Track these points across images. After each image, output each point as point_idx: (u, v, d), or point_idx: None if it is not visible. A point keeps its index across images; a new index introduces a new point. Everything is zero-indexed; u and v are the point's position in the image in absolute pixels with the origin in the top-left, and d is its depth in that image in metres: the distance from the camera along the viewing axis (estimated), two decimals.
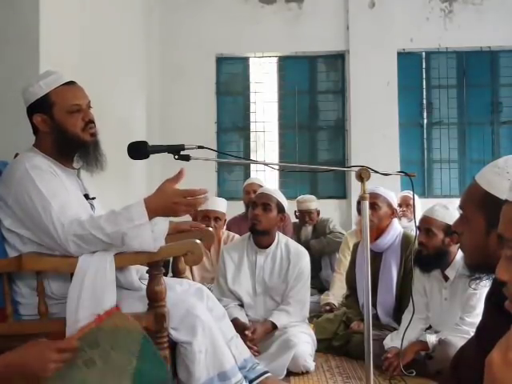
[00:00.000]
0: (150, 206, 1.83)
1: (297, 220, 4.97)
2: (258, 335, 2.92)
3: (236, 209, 4.82)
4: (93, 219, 1.84)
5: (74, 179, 2.06)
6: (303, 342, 2.95)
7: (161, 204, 1.85)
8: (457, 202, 1.54)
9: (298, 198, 4.98)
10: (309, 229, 4.82)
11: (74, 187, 2.03)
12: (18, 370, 1.37)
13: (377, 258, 3.27)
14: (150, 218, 1.83)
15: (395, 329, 3.11)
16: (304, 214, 4.85)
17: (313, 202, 4.88)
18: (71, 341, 1.43)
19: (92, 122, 2.01)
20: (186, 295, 2.07)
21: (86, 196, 2.07)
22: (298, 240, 4.44)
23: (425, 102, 6.41)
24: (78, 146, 2.00)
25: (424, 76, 6.43)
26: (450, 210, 2.80)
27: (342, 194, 6.29)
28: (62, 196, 1.89)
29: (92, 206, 2.07)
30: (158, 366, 1.61)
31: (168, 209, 1.85)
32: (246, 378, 2.19)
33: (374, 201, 3.25)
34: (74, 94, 1.99)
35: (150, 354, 1.59)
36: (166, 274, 2.19)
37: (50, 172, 1.92)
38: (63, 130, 1.96)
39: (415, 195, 2.37)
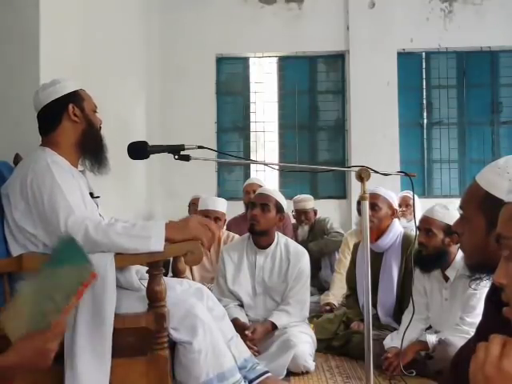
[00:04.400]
0: (169, 225, 1.91)
1: (294, 220, 4.98)
2: (257, 335, 2.92)
3: (236, 209, 4.82)
4: (110, 222, 1.92)
5: (83, 178, 2.12)
6: (303, 342, 2.95)
7: (179, 223, 1.97)
8: (457, 202, 1.54)
9: (295, 197, 4.98)
10: (305, 228, 4.82)
11: (84, 186, 2.09)
12: (21, 369, 1.38)
13: (377, 258, 3.27)
14: (168, 237, 1.87)
15: (395, 329, 3.11)
16: (300, 214, 4.85)
17: (309, 202, 4.88)
18: (61, 324, 1.44)
19: (101, 127, 2.17)
20: (186, 295, 2.07)
21: (91, 194, 2.10)
22: (295, 240, 4.44)
23: (425, 101, 6.41)
24: (97, 142, 2.12)
25: (424, 76, 6.43)
26: (450, 211, 2.80)
27: (342, 194, 6.29)
28: (78, 195, 1.96)
29: (96, 205, 2.11)
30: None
31: (184, 224, 1.94)
32: (246, 378, 2.20)
33: (375, 201, 3.24)
34: (92, 99, 2.16)
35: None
36: (166, 274, 2.19)
37: (68, 171, 1.99)
38: (92, 124, 2.11)
39: (415, 195, 2.37)
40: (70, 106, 2.06)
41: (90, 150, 2.11)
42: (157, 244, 1.84)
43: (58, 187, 1.89)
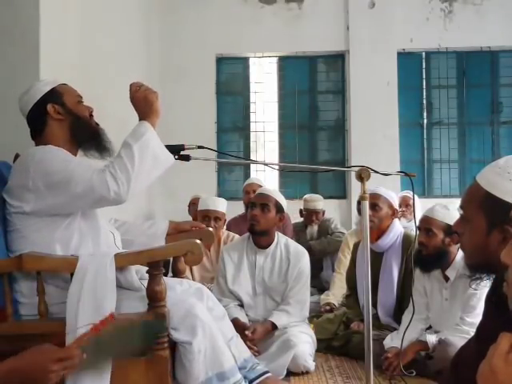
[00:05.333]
0: (146, 118, 2.00)
1: (301, 219, 4.99)
2: (257, 335, 2.92)
3: (236, 209, 4.82)
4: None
5: None
6: (303, 342, 2.95)
7: (141, 108, 2.02)
8: (457, 202, 1.54)
9: (306, 196, 5.00)
10: (314, 228, 4.85)
11: None
12: (19, 378, 1.36)
13: (378, 258, 3.27)
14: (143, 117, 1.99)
15: (395, 329, 3.11)
16: (311, 214, 4.87)
17: (320, 202, 4.92)
18: (72, 350, 1.42)
19: (92, 114, 2.16)
20: (186, 295, 2.07)
21: None
22: (298, 240, 4.44)
23: (425, 101, 6.41)
24: (90, 131, 2.10)
25: (424, 76, 6.43)
26: (450, 211, 2.80)
27: (342, 193, 6.28)
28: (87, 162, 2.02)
29: None
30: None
31: (143, 103, 2.02)
32: (246, 377, 2.19)
33: (375, 201, 3.24)
34: (74, 89, 2.15)
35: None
36: (166, 274, 2.19)
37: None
38: (76, 116, 2.08)
39: (415, 195, 2.36)
40: (49, 107, 2.05)
41: (85, 139, 2.10)
42: (151, 133, 1.95)
43: (68, 160, 1.93)
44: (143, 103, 2.01)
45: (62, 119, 2.06)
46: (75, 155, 2.10)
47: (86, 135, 2.09)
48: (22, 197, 1.90)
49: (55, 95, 2.08)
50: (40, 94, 2.07)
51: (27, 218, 1.91)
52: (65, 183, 1.87)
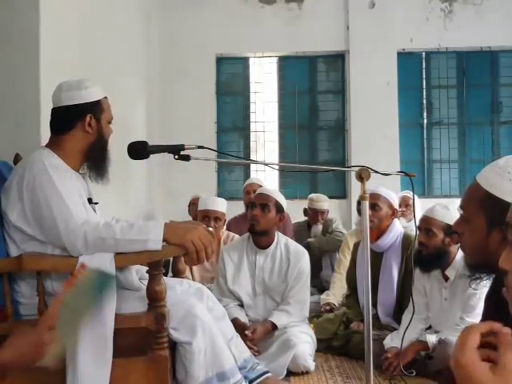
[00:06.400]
0: (169, 226, 1.88)
1: (303, 219, 5.00)
2: (257, 335, 2.92)
3: (236, 209, 4.82)
4: (108, 223, 1.88)
5: (83, 182, 2.11)
6: (303, 341, 2.95)
7: (180, 226, 1.92)
8: (457, 202, 1.54)
9: (312, 196, 5.01)
10: (319, 228, 4.86)
11: (83, 190, 2.07)
12: (17, 367, 1.37)
13: (377, 257, 3.27)
14: (166, 238, 1.85)
15: (395, 329, 3.11)
16: (316, 213, 4.88)
17: (325, 202, 4.95)
18: (54, 316, 1.41)
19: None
20: (186, 295, 2.07)
21: (90, 200, 2.09)
22: (298, 240, 4.44)
23: (425, 101, 6.41)
24: (103, 154, 2.10)
25: (424, 76, 6.43)
26: (450, 211, 2.80)
27: (342, 193, 6.29)
28: (76, 197, 1.94)
29: (94, 210, 2.09)
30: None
31: (184, 231, 1.88)
32: (246, 378, 2.20)
33: (375, 201, 3.25)
34: (110, 108, 2.12)
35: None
36: (166, 274, 2.19)
37: (66, 173, 1.97)
38: (102, 137, 2.07)
39: (415, 195, 2.36)
40: (88, 117, 2.03)
41: (94, 160, 2.09)
42: (154, 247, 1.84)
43: (55, 191, 1.88)
44: (184, 234, 1.87)
45: (90, 133, 2.04)
46: (78, 168, 2.09)
47: (99, 156, 2.09)
48: (13, 202, 1.90)
49: (98, 108, 2.05)
50: (89, 99, 2.03)
51: (13, 229, 1.91)
52: (43, 215, 1.86)
